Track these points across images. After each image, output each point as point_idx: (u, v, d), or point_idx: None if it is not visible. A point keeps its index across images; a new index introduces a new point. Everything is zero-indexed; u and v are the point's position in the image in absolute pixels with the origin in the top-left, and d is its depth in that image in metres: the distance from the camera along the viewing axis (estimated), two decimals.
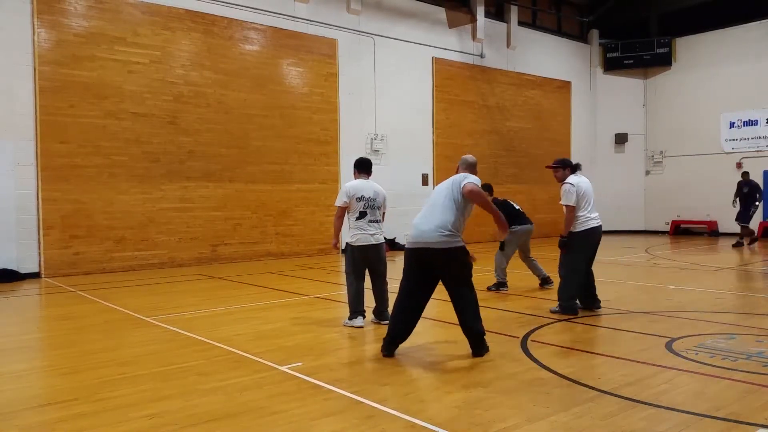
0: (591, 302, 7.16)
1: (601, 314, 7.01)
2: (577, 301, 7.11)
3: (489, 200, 5.63)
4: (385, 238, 6.74)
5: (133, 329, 6.58)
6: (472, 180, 5.28)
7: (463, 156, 5.74)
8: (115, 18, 12.08)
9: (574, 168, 7.17)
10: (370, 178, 6.75)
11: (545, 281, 9.01)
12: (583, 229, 6.89)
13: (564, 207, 6.91)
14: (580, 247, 6.95)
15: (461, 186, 5.22)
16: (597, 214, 7.03)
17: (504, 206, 8.74)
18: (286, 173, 14.50)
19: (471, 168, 5.59)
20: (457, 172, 5.57)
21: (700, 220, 20.62)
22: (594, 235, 6.97)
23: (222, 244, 13.46)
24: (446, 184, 5.38)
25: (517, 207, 9.00)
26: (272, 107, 14.26)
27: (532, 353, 5.24)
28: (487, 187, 9.05)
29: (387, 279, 6.69)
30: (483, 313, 7.24)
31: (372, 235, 6.50)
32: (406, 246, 5.46)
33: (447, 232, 5.12)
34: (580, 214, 6.89)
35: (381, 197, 6.68)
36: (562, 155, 21.55)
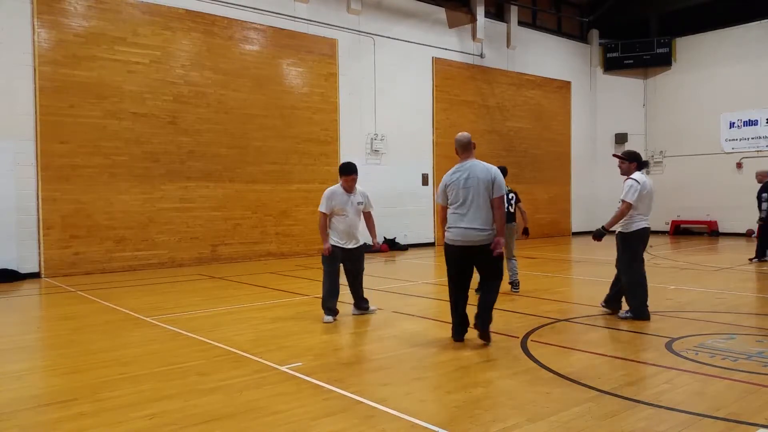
0: (616, 304, 6.94)
1: (601, 314, 7.01)
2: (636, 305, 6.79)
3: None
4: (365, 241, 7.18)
5: (133, 329, 6.58)
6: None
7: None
8: (115, 18, 12.08)
9: (641, 164, 6.86)
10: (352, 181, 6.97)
11: (514, 285, 8.79)
12: (638, 228, 6.59)
13: (621, 201, 6.56)
14: (638, 248, 6.65)
15: None
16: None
17: None
18: (286, 173, 14.50)
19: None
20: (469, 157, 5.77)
21: (700, 220, 20.63)
22: (647, 236, 6.72)
23: (222, 244, 13.47)
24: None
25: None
26: (272, 107, 14.27)
27: (532, 353, 5.24)
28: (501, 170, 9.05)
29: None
30: None
31: None
32: None
33: None
34: (638, 213, 6.57)
35: None
36: (562, 155, 21.76)
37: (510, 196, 8.84)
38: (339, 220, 6.78)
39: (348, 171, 6.84)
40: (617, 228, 6.73)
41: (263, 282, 10.24)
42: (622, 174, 6.86)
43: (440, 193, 5.80)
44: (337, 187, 6.86)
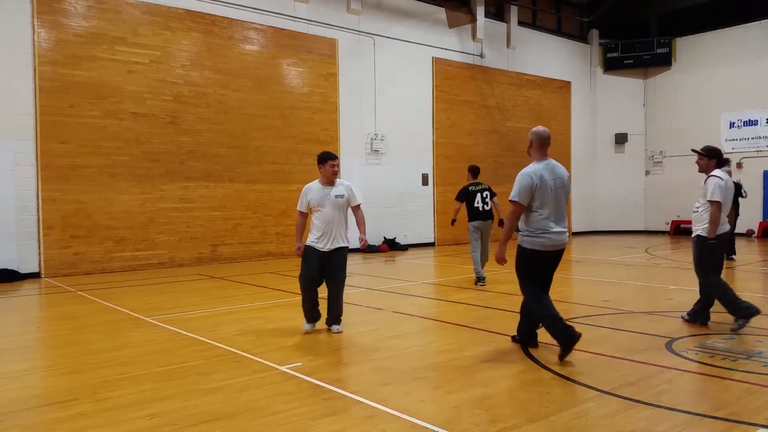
0: (704, 318, 6.31)
1: (601, 314, 7.01)
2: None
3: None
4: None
5: (133, 329, 6.58)
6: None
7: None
8: (115, 18, 12.08)
9: (722, 161, 6.42)
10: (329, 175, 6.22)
11: (479, 279, 9.47)
12: (720, 232, 6.05)
13: (709, 203, 6.00)
14: (719, 254, 6.20)
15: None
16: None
17: (467, 198, 9.62)
18: (286, 173, 14.50)
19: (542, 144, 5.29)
20: (542, 157, 5.21)
21: None
22: (725, 240, 6.24)
23: (222, 244, 13.46)
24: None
25: (477, 204, 9.50)
26: (272, 107, 14.27)
27: (532, 353, 5.24)
28: (474, 170, 9.92)
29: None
30: (483, 312, 7.27)
31: None
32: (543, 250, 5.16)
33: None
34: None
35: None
36: (562, 155, 21.74)
37: (485, 195, 9.59)
38: (316, 216, 6.10)
39: (329, 157, 6.14)
40: (697, 231, 6.21)
41: (263, 282, 10.24)
42: (700, 171, 6.35)
43: (524, 192, 5.03)
44: (313, 183, 6.22)
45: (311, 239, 6.11)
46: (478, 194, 9.58)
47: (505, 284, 9.57)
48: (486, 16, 18.61)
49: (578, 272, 11.70)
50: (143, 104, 12.39)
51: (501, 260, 5.31)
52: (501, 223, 9.79)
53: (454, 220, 9.90)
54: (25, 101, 11.12)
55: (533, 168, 5.11)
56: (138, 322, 6.94)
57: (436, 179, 17.56)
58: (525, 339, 5.46)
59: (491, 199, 9.62)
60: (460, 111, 18.18)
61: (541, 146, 5.21)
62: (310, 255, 6.07)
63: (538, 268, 5.24)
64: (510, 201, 5.10)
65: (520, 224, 5.20)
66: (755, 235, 19.34)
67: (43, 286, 10.27)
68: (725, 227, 6.16)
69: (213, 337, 6.03)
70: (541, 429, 3.54)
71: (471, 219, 9.60)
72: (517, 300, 8.08)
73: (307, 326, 6.22)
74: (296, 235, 6.31)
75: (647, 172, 22.28)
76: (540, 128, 5.27)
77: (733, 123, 20.04)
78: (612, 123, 22.40)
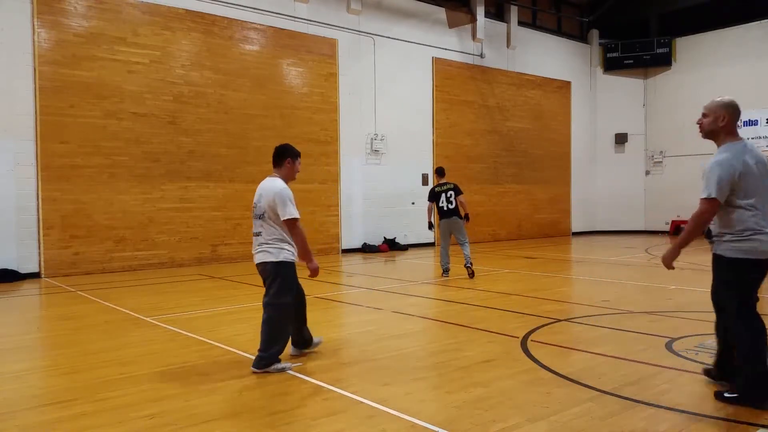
0: None
1: (601, 314, 7.01)
2: None
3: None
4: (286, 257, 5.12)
5: (133, 329, 6.58)
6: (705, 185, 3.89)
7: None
8: (115, 18, 12.08)
9: None
10: (276, 173, 5.28)
11: (445, 271, 10.50)
12: None
13: None
14: None
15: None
16: None
17: (435, 198, 10.52)
18: None
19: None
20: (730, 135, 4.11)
21: None
22: None
23: (222, 244, 13.47)
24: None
25: (441, 204, 10.39)
26: (272, 107, 14.27)
27: (532, 353, 5.24)
28: (439, 171, 10.94)
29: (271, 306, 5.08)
30: (483, 312, 7.26)
31: (254, 253, 5.27)
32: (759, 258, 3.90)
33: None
34: None
35: (263, 202, 5.09)
36: (562, 155, 21.77)
37: (449, 195, 10.37)
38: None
39: (298, 153, 5.27)
40: None
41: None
42: None
43: (724, 185, 3.80)
44: (282, 183, 5.13)
45: (292, 254, 5.09)
46: (443, 194, 10.45)
47: (504, 284, 9.59)
48: (486, 16, 18.62)
49: (578, 272, 11.70)
50: (143, 104, 12.39)
51: (669, 265, 4.18)
52: (467, 217, 10.58)
53: (430, 223, 10.73)
54: (25, 101, 11.12)
55: (733, 151, 3.92)
56: (138, 322, 6.94)
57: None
58: (723, 373, 4.24)
59: (456, 197, 10.40)
60: (460, 111, 18.19)
61: (736, 123, 4.12)
62: (295, 272, 5.10)
63: (752, 284, 4.01)
64: (702, 200, 3.89)
65: (718, 227, 4.00)
66: None
67: (43, 286, 10.27)
68: None
69: (213, 337, 6.04)
70: (541, 429, 3.54)
71: (439, 218, 10.53)
72: (517, 299, 8.08)
73: (285, 365, 4.87)
74: (309, 252, 5.03)
75: (647, 172, 22.28)
76: (732, 99, 4.24)
77: None
78: (612, 123, 22.40)
